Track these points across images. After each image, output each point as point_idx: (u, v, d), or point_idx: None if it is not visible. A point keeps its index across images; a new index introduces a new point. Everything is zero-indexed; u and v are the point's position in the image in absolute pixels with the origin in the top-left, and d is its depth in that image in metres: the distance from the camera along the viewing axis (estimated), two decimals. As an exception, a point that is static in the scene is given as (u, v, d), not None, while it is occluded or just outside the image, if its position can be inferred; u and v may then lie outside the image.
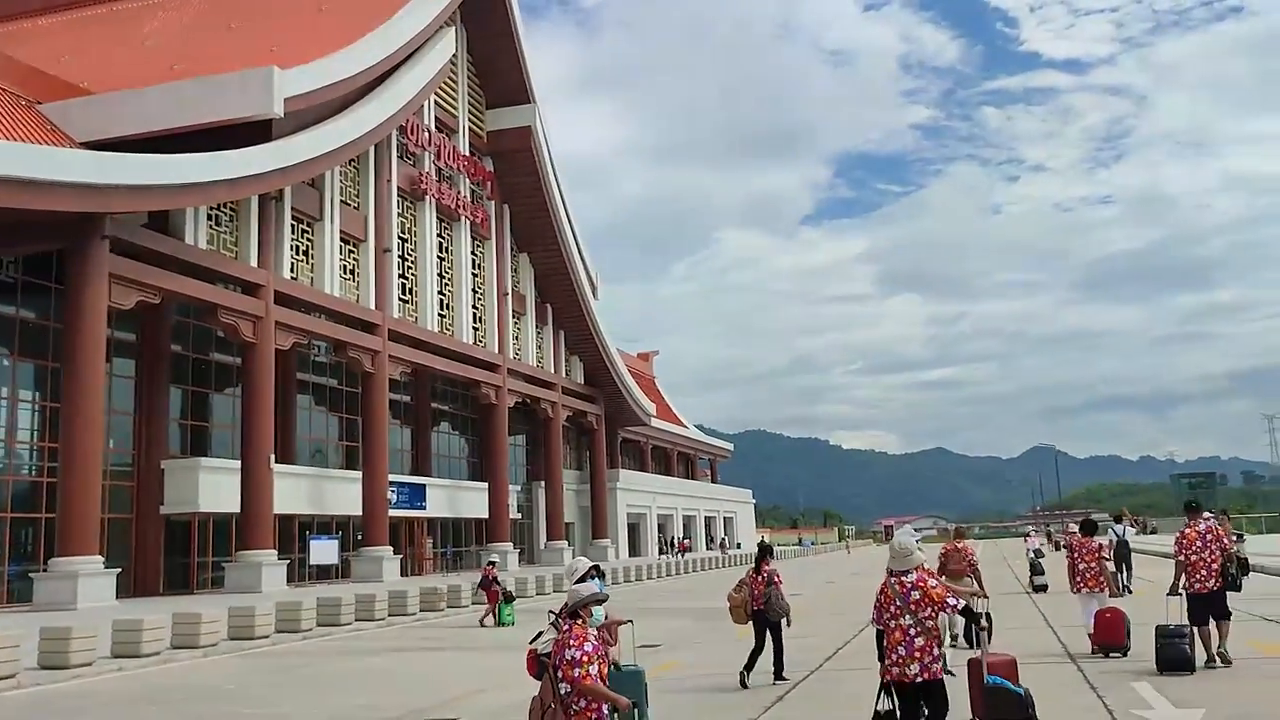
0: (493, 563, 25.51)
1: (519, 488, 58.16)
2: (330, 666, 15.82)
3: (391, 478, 45.12)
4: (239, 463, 34.83)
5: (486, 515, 51.33)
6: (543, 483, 59.09)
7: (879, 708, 7.80)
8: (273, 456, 34.98)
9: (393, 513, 45.08)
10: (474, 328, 50.55)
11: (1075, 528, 23.32)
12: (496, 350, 51.68)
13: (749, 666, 12.44)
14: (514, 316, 54.81)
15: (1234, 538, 16.68)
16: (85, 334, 28.27)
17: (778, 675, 12.53)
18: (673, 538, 79.56)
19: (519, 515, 57.68)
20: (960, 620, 12.31)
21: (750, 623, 12.75)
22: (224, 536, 36.22)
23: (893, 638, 7.73)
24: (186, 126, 32.20)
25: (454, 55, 49.64)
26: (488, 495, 51.19)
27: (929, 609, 7.65)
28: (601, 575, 10.34)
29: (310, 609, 19.78)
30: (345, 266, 40.75)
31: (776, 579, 12.83)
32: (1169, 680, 11.57)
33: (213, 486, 34.94)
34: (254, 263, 34.96)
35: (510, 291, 53.76)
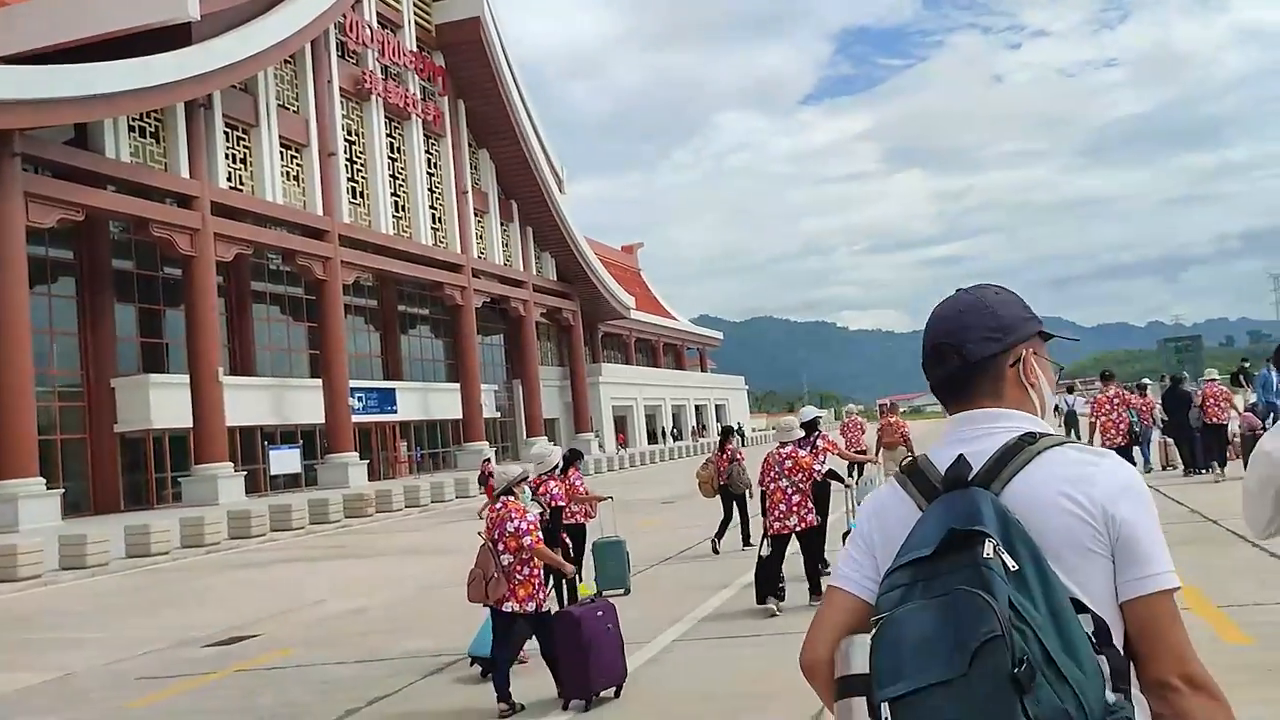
0: (488, 459, 25.85)
1: (496, 387, 58.10)
2: (202, 581, 15.71)
3: (357, 384, 45.01)
4: (189, 377, 34.60)
5: (460, 416, 51.32)
6: (520, 381, 58.98)
7: (761, 553, 9.38)
8: (221, 369, 34.72)
9: (362, 418, 45.12)
10: (433, 229, 49.76)
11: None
12: (459, 250, 50.95)
13: (719, 535, 13.85)
14: (476, 215, 53.91)
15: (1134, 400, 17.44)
16: (5, 254, 27.75)
17: (745, 542, 13.73)
18: (664, 428, 79.96)
19: (498, 414, 57.76)
20: (875, 484, 14.04)
21: (717, 496, 14.10)
22: (182, 451, 36.23)
23: (773, 498, 9.52)
24: (99, 35, 31.12)
25: (393, -55, 47.95)
26: (460, 396, 51.12)
27: (800, 474, 9.46)
28: (580, 458, 11.95)
29: (217, 523, 19.64)
30: (288, 173, 39.88)
31: (739, 456, 14.11)
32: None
33: (164, 402, 34.83)
34: (185, 173, 34.16)
35: (470, 189, 52.75)
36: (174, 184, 33.66)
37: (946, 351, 1.81)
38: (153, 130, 33.84)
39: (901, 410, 19.92)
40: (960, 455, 1.70)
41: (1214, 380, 17.15)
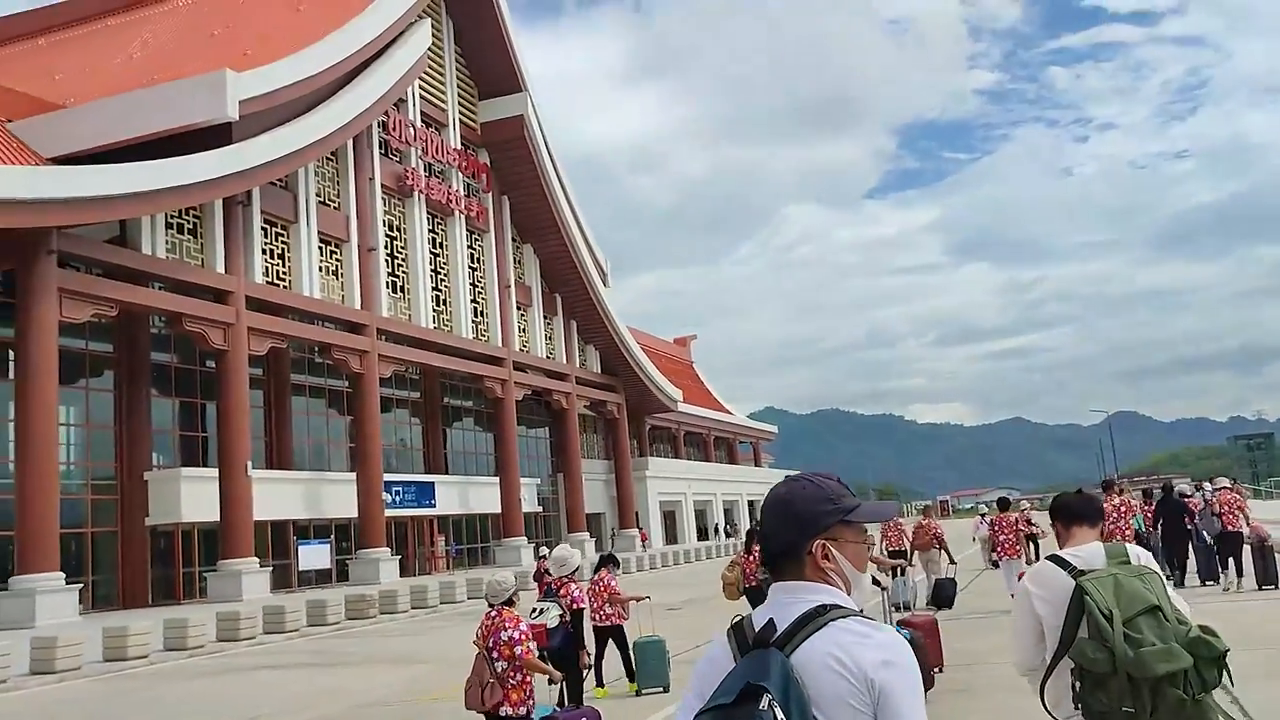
0: (544, 556, 25.49)
1: (539, 480, 57.67)
2: (153, 692, 15.13)
3: (394, 477, 44.91)
4: (218, 471, 34.69)
5: (499, 510, 50.86)
6: (563, 474, 58.52)
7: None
8: (250, 464, 34.75)
9: (399, 512, 44.90)
10: (474, 322, 50.02)
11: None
12: (500, 344, 51.09)
13: None
14: (519, 309, 54.18)
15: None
16: (37, 350, 28.25)
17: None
18: (716, 525, 78.61)
19: (540, 508, 57.22)
20: (921, 590, 16.93)
21: (743, 598, 14.01)
22: (212, 546, 36.15)
23: None
24: (144, 135, 32.03)
25: (439, 49, 49.23)
26: (499, 490, 50.75)
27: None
28: (615, 562, 12.44)
29: (201, 625, 19.21)
30: (326, 267, 40.42)
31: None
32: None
33: (195, 496, 34.89)
34: (221, 269, 34.72)
35: (513, 283, 53.12)
36: (208, 279, 34.20)
37: (763, 538, 2.27)
38: (190, 227, 34.53)
39: (969, 507, 20.50)
40: (770, 620, 2.11)
41: (1226, 488, 16.99)
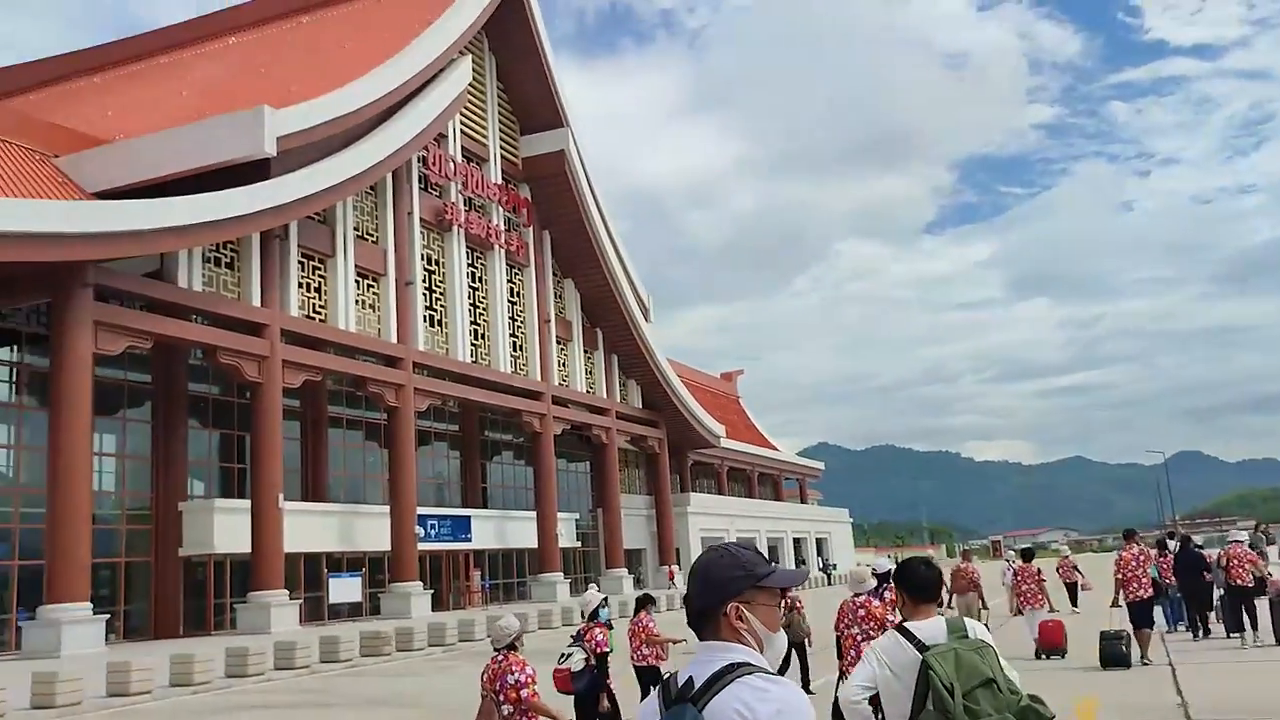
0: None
1: (578, 515, 57.35)
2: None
3: (429, 510, 44.87)
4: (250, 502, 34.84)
5: (536, 545, 50.59)
6: (602, 509, 58.16)
7: (837, 695, 10.58)
8: (281, 495, 34.84)
9: (434, 546, 44.80)
10: (513, 356, 50.03)
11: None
12: (539, 378, 51.02)
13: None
14: (559, 343, 54.14)
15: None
16: (71, 381, 28.57)
17: (805, 688, 13.40)
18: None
19: (578, 544, 56.87)
20: None
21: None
22: (244, 577, 36.24)
23: (845, 644, 9.88)
24: (184, 171, 32.51)
25: (481, 85, 49.64)
26: (536, 525, 50.50)
27: (871, 623, 9.72)
28: (653, 602, 12.55)
29: (209, 661, 19.08)
30: (363, 301, 40.64)
31: (798, 605, 14.72)
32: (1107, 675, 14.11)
33: (227, 527, 35.03)
34: (257, 302, 35.02)
35: (553, 318, 53.12)
36: (244, 312, 34.50)
37: (686, 601, 2.63)
38: (228, 260, 34.90)
39: (1024, 547, 20.90)
40: (690, 677, 2.48)
41: (1239, 541, 16.80)
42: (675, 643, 12.15)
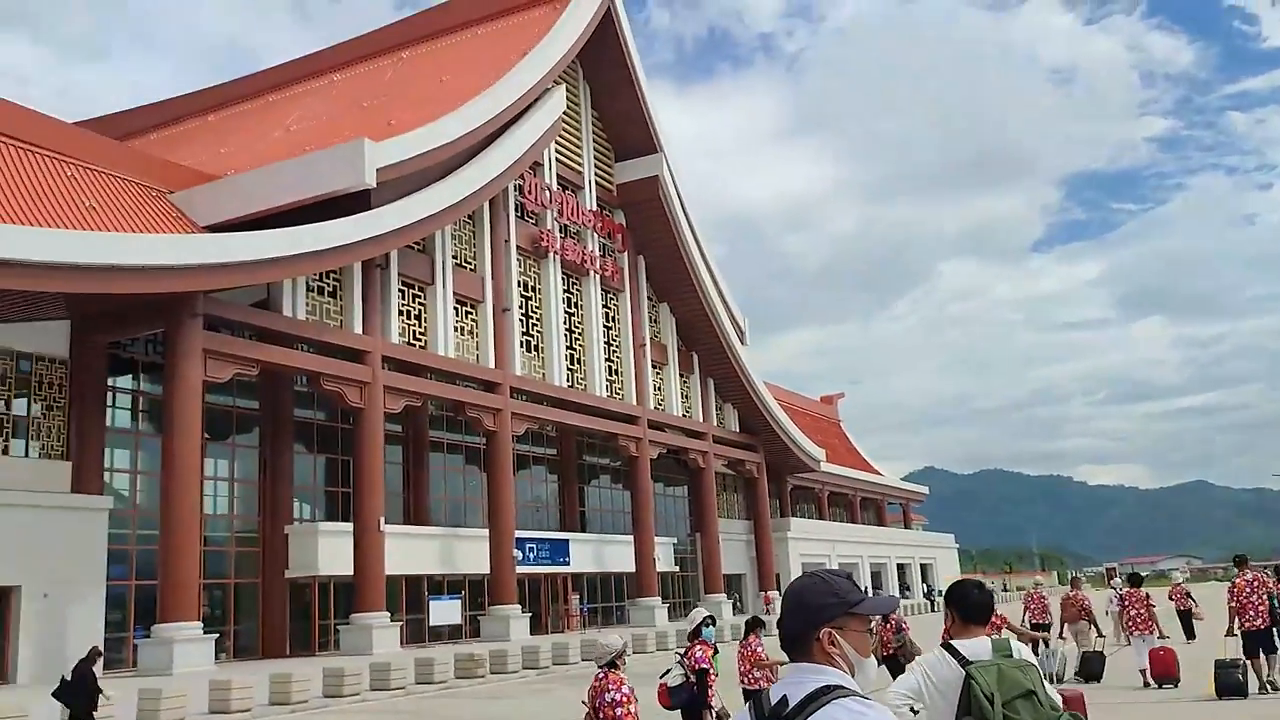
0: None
1: (676, 540, 57.23)
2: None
3: (529, 534, 45.33)
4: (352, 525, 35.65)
5: (633, 569, 50.63)
6: (700, 534, 57.95)
7: None
8: (382, 519, 35.56)
9: (532, 569, 45.21)
10: (609, 380, 50.34)
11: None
12: (635, 401, 51.22)
13: None
14: (655, 367, 54.30)
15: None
16: (181, 407, 29.68)
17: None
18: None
19: (676, 568, 56.73)
20: (1072, 661, 17.62)
21: (882, 666, 14.16)
22: (348, 599, 37.06)
23: None
24: (288, 204, 33.60)
25: (576, 113, 50.34)
26: (633, 548, 50.57)
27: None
28: (713, 623, 11.94)
29: (306, 681, 19.51)
30: (461, 327, 41.38)
31: (905, 626, 15.01)
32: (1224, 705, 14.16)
33: (331, 550, 35.91)
34: (358, 329, 35.94)
35: (649, 342, 53.33)
36: (346, 339, 35.44)
37: (780, 626, 2.76)
38: (331, 289, 35.92)
39: (1131, 573, 21.07)
40: (784, 695, 2.55)
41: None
42: (783, 665, 12.03)
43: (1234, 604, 15.44)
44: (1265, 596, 15.48)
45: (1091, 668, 17.75)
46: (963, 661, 4.29)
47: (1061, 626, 19.67)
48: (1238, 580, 15.68)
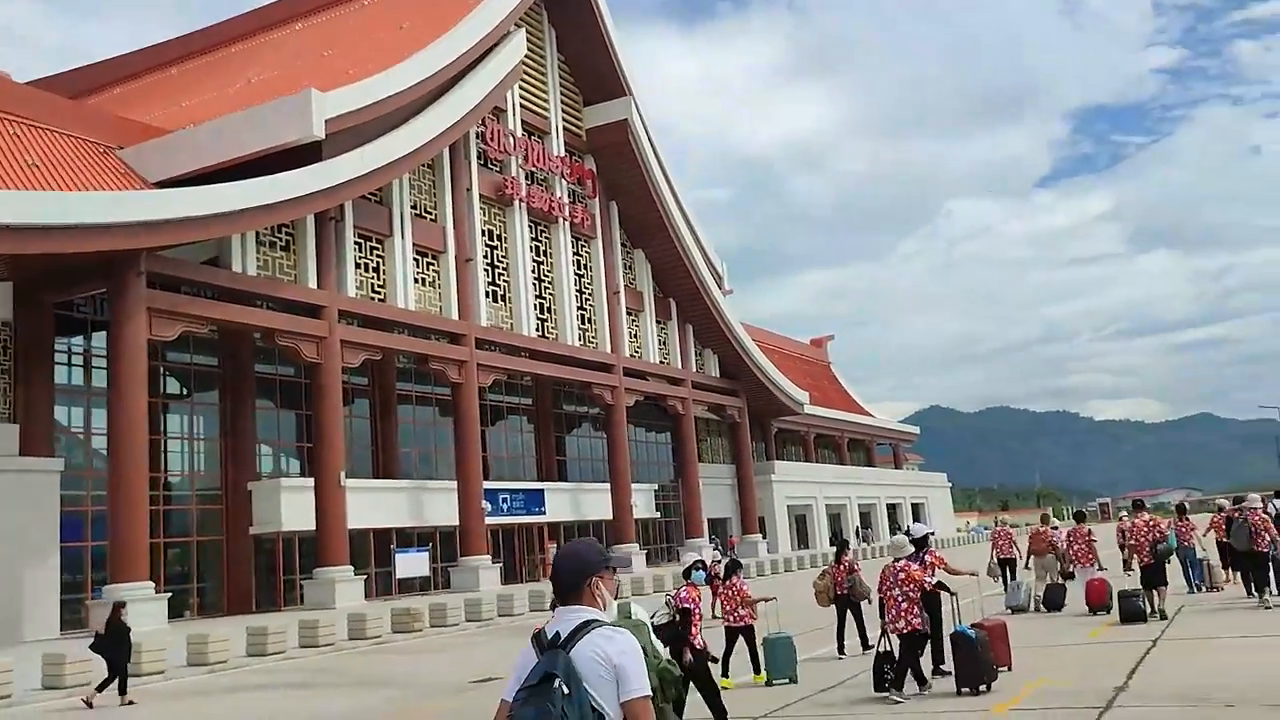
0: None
1: (655, 486, 57.18)
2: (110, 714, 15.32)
3: (501, 485, 45.28)
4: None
5: (610, 517, 50.62)
6: (681, 480, 57.92)
7: (879, 649, 11.43)
8: (342, 473, 35.43)
9: (506, 520, 45.23)
10: (582, 329, 49.93)
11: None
12: (609, 349, 50.86)
13: (840, 640, 15.15)
14: (631, 314, 53.85)
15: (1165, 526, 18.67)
16: (126, 367, 29.35)
17: (864, 645, 14.70)
18: (856, 528, 76.39)
19: (656, 514, 56.75)
20: (1032, 591, 19.41)
21: (832, 605, 15.20)
22: (311, 554, 37.04)
23: (888, 604, 11.23)
24: (239, 158, 33.00)
25: (540, 57, 49.43)
26: (610, 496, 50.52)
27: (910, 585, 11.11)
28: (703, 566, 13.03)
29: (224, 641, 19.33)
30: (422, 279, 40.90)
31: (856, 567, 15.37)
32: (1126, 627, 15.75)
33: (294, 506, 35.78)
34: (313, 284, 35.50)
35: (623, 289, 52.81)
36: (300, 294, 35.00)
37: (554, 576, 3.53)
38: (284, 244, 35.42)
39: (1149, 507, 21.04)
40: (558, 631, 3.36)
41: (1255, 509, 17.62)
42: (766, 601, 13.77)
43: (1132, 542, 17.51)
44: (1154, 537, 17.16)
45: (1054, 598, 19.12)
46: None
47: (1028, 559, 20.43)
48: (1135, 521, 17.63)
